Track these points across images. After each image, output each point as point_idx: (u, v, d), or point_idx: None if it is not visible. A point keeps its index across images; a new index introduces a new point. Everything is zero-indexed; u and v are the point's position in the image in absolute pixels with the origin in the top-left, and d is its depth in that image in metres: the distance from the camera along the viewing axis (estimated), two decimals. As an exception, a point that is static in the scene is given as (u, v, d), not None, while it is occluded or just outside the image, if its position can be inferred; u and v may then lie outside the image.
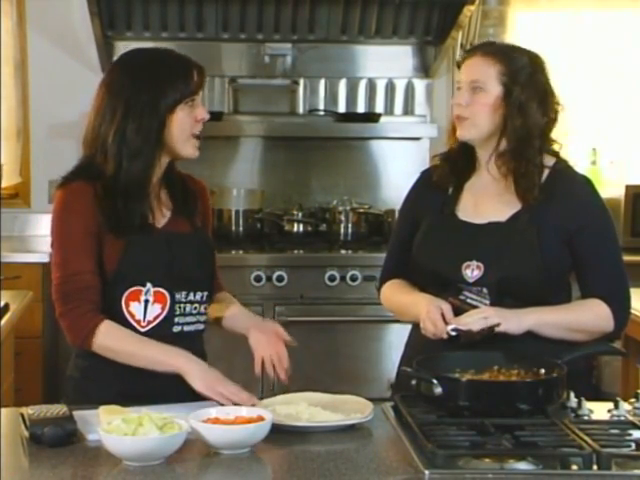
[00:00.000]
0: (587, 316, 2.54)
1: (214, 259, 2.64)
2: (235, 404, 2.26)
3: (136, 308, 2.46)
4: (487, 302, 2.51)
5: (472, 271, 2.54)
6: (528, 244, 2.52)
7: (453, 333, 2.42)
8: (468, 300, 2.53)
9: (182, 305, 2.50)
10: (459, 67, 2.64)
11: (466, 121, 2.56)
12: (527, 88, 2.53)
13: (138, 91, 2.44)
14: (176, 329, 2.50)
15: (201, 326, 2.57)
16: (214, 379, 2.35)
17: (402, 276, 2.70)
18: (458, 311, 2.49)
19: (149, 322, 2.47)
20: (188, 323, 2.52)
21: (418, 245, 2.64)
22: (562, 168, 2.60)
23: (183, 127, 2.46)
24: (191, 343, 2.51)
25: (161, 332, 2.47)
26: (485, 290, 2.52)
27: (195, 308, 2.53)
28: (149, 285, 2.47)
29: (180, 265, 2.50)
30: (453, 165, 2.65)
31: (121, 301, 2.46)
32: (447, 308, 2.46)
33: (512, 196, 2.57)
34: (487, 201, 2.61)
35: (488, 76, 2.54)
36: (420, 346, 2.54)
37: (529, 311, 2.48)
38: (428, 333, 2.47)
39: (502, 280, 2.51)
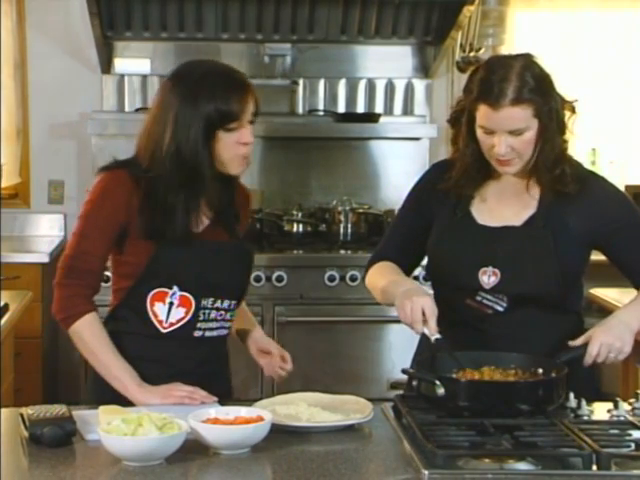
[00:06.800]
0: None
1: (250, 269, 2.62)
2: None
3: (160, 309, 2.47)
4: (504, 304, 2.49)
5: (489, 277, 2.49)
6: (545, 251, 2.48)
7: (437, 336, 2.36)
8: (484, 302, 2.50)
9: (207, 311, 2.49)
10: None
11: (512, 160, 2.45)
12: (552, 102, 2.43)
13: (184, 108, 2.40)
14: (197, 334, 2.49)
15: (224, 331, 2.55)
16: (166, 389, 2.38)
17: (393, 260, 2.62)
18: (475, 313, 2.49)
19: (171, 324, 2.47)
20: (211, 329, 2.51)
21: (433, 246, 2.58)
22: (574, 166, 2.52)
23: (226, 149, 2.43)
24: (213, 347, 2.52)
25: (182, 335, 2.48)
26: (502, 296, 2.49)
27: (221, 315, 2.52)
28: (175, 288, 2.46)
29: (211, 273, 2.48)
30: (467, 177, 2.53)
31: (146, 299, 2.46)
32: (429, 308, 2.36)
33: (529, 198, 2.52)
34: (502, 202, 2.55)
35: (526, 120, 2.40)
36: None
37: (628, 317, 2.45)
38: (406, 321, 2.38)
39: (520, 289, 2.47)
